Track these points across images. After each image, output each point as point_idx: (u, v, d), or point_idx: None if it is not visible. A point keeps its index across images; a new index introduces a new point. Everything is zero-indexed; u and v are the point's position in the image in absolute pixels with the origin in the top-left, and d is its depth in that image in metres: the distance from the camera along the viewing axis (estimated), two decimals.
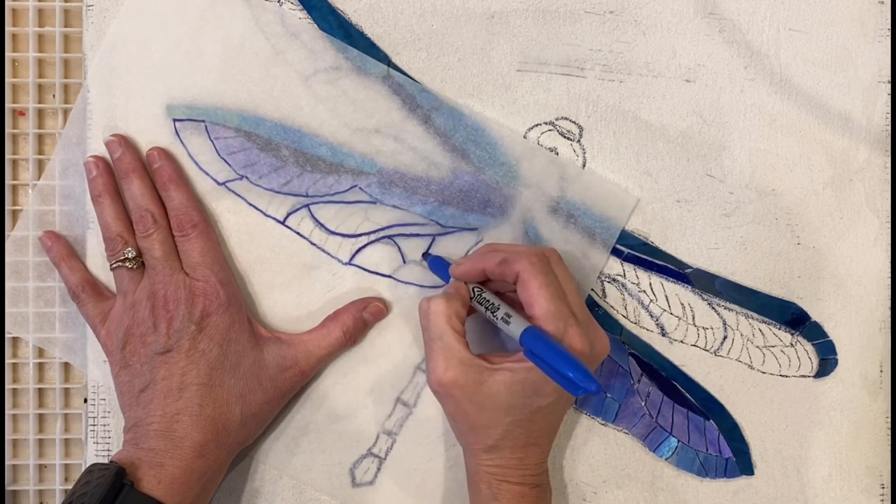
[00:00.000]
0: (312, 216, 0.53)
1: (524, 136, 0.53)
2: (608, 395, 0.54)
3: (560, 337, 0.45)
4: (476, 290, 0.49)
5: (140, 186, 0.51)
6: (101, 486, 0.43)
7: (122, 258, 0.50)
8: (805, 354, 0.54)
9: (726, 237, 0.54)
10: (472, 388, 0.46)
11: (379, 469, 0.53)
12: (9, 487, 0.54)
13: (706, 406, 0.54)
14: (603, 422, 0.54)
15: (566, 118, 0.54)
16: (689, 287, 0.54)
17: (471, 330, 0.52)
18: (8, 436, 0.54)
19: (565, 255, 0.53)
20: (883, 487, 0.54)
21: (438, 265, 0.51)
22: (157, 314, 0.49)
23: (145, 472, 0.45)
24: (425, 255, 0.53)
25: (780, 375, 0.54)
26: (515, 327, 0.46)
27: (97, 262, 0.53)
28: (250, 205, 0.53)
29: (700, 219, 0.54)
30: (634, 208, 0.53)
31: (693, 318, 0.54)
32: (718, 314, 0.54)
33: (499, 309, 0.47)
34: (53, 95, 0.54)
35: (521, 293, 0.46)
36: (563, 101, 0.53)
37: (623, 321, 0.54)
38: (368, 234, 0.53)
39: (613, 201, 0.53)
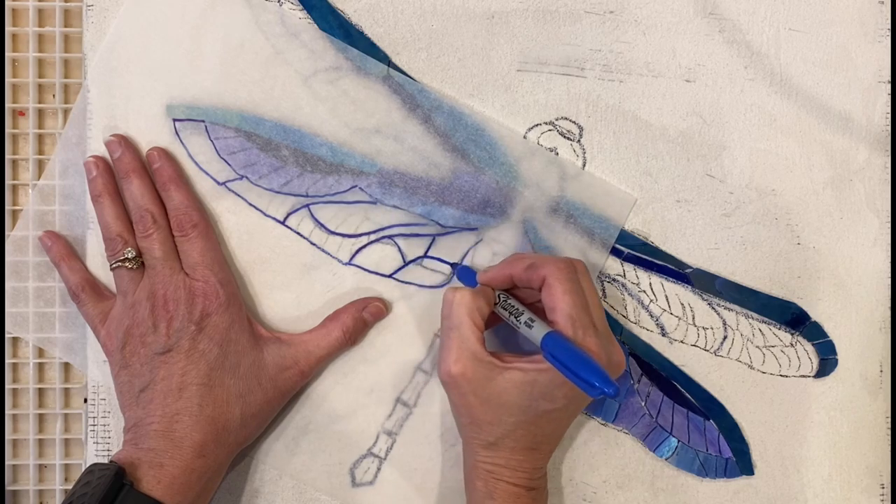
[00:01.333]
0: (312, 216, 0.53)
1: (524, 136, 0.53)
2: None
3: (578, 343, 0.45)
4: (501, 296, 0.49)
5: (140, 186, 0.51)
6: (101, 487, 0.43)
7: (121, 258, 0.50)
8: (805, 354, 0.54)
9: (726, 237, 0.54)
10: (479, 383, 0.46)
11: (379, 469, 0.53)
12: (9, 487, 0.54)
13: (706, 406, 0.54)
14: (603, 422, 0.54)
15: (566, 118, 0.54)
16: (689, 287, 0.54)
17: (491, 337, 0.53)
18: (8, 436, 0.54)
19: (564, 254, 0.53)
20: (883, 487, 0.54)
21: (466, 275, 0.52)
22: (156, 314, 0.49)
23: (145, 473, 0.45)
24: (454, 265, 0.53)
25: (780, 375, 0.54)
26: (537, 332, 0.46)
27: (97, 262, 0.53)
28: (250, 205, 0.53)
29: (700, 219, 0.54)
30: (633, 208, 0.53)
31: (693, 318, 0.54)
32: (718, 314, 0.54)
33: (522, 314, 0.48)
34: (53, 95, 0.54)
35: (546, 297, 0.47)
36: (563, 101, 0.53)
37: (623, 321, 0.54)
38: (368, 234, 0.53)
39: (612, 201, 0.53)
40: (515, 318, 0.48)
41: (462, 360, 0.46)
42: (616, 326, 0.54)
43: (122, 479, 0.44)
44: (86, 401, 0.54)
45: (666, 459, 0.54)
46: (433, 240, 0.53)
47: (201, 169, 0.53)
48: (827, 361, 0.54)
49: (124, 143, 0.52)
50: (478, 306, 0.48)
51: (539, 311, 0.48)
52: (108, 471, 0.44)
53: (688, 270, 0.54)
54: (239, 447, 0.50)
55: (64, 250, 0.52)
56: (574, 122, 0.53)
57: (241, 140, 0.53)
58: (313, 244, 0.53)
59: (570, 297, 0.46)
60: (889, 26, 0.54)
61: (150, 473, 0.46)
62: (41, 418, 0.55)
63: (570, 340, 0.45)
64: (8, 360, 0.54)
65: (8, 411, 0.54)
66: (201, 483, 0.47)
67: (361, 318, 0.52)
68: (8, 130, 0.54)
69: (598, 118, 0.54)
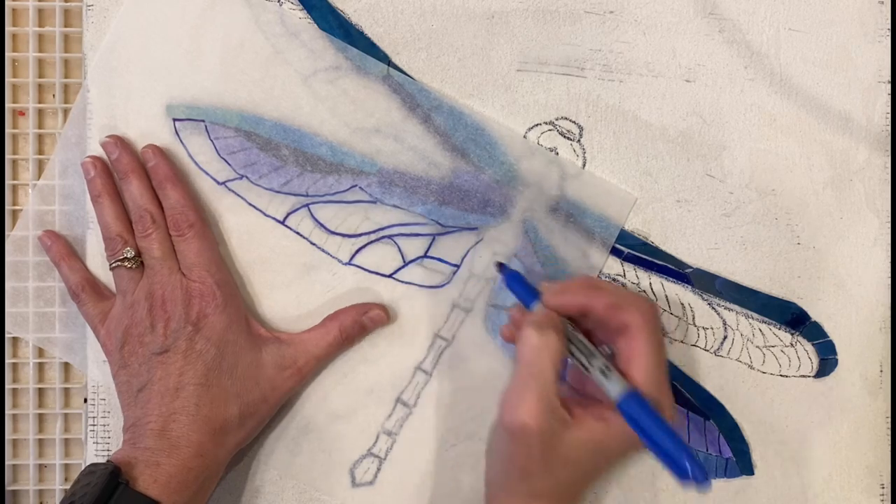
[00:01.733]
0: (312, 216, 0.53)
1: (524, 136, 0.53)
2: None
3: (657, 407, 0.44)
4: (568, 327, 0.46)
5: (139, 187, 0.51)
6: (97, 486, 0.43)
7: (121, 258, 0.50)
8: (805, 354, 0.54)
9: (726, 237, 0.54)
10: (546, 437, 0.43)
11: (379, 469, 0.53)
12: (9, 487, 0.54)
13: (706, 406, 0.54)
14: None
15: (566, 118, 0.53)
16: (689, 287, 0.54)
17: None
18: (8, 436, 0.54)
19: (565, 254, 0.53)
20: (883, 487, 0.54)
21: (517, 282, 0.48)
22: (154, 314, 0.49)
23: (142, 471, 0.45)
24: (502, 266, 0.50)
25: (780, 375, 0.54)
26: (613, 386, 0.44)
27: (97, 261, 0.53)
28: (250, 204, 0.53)
29: (700, 219, 0.54)
30: (633, 208, 0.53)
31: (693, 318, 0.54)
32: (718, 314, 0.54)
33: (595, 357, 0.45)
34: (53, 95, 0.54)
35: (625, 346, 0.45)
36: (563, 101, 0.53)
37: None
38: (368, 233, 0.53)
39: (612, 201, 0.53)
40: (587, 359, 0.45)
41: (541, 414, 0.43)
42: None
43: (117, 478, 0.44)
44: (86, 401, 0.54)
45: None
46: (433, 239, 0.53)
47: (201, 169, 0.53)
48: (827, 361, 0.54)
49: (121, 143, 0.52)
50: (561, 351, 0.44)
51: (588, 334, 0.47)
52: (105, 470, 0.44)
53: (688, 270, 0.54)
54: (237, 447, 0.50)
55: (64, 250, 0.52)
56: (574, 122, 0.53)
57: (240, 140, 0.53)
58: (313, 244, 0.53)
59: (654, 353, 0.44)
60: (889, 26, 0.54)
61: (147, 472, 0.45)
62: (41, 418, 0.55)
63: (651, 404, 0.43)
64: (8, 360, 0.54)
65: (8, 411, 0.54)
66: (198, 482, 0.47)
67: (361, 322, 0.52)
68: (8, 130, 0.54)
69: (598, 118, 0.54)
